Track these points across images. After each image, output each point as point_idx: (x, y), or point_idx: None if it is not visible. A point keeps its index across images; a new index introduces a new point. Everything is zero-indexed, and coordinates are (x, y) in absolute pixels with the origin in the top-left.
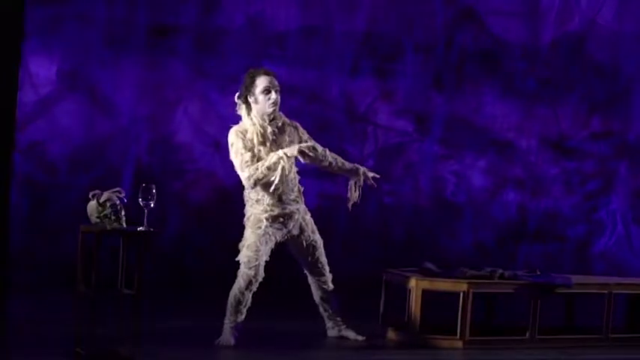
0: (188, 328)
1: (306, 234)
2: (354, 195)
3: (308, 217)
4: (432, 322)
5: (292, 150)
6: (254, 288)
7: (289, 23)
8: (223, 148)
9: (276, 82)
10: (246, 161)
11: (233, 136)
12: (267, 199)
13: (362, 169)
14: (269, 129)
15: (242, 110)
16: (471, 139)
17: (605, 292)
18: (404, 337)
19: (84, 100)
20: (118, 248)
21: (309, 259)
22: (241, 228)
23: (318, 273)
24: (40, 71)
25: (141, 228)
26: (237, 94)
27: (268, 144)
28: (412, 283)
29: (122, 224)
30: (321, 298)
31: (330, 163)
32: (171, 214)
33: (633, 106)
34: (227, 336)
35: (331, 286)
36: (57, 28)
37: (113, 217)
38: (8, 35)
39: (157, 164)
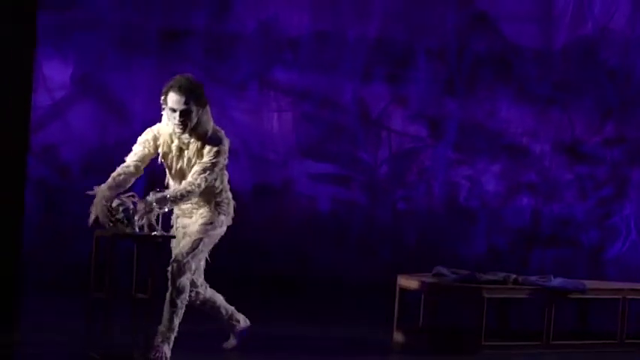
0: (201, 332)
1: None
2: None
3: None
4: (445, 326)
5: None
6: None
7: (301, 28)
8: (235, 153)
9: (188, 100)
10: (132, 153)
11: (148, 129)
12: None
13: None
14: (175, 142)
15: (165, 112)
16: (485, 144)
17: (619, 297)
18: (417, 341)
19: (97, 104)
20: (132, 253)
21: None
22: (254, 233)
23: None
24: (54, 75)
25: (155, 233)
26: (162, 98)
27: (170, 157)
28: (426, 287)
29: (134, 228)
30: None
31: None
32: None
33: None
34: (230, 339)
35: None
36: (70, 32)
37: (125, 222)
38: (22, 39)
39: None
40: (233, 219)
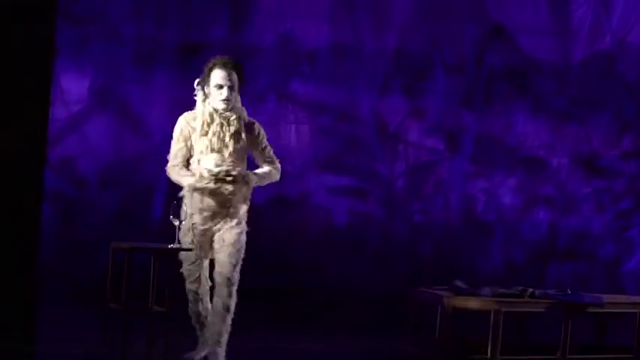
0: None
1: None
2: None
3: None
4: (462, 340)
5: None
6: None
7: (319, 41)
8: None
9: (232, 77)
10: (175, 152)
11: (179, 121)
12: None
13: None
14: (216, 120)
15: (199, 96)
16: (502, 157)
17: (636, 311)
18: (433, 354)
19: (114, 117)
20: (149, 265)
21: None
22: (271, 245)
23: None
24: (72, 88)
25: (172, 245)
26: (197, 80)
27: (210, 135)
28: (442, 300)
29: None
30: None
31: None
32: None
33: None
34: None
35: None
36: (88, 45)
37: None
38: (41, 53)
39: None
40: (252, 231)
